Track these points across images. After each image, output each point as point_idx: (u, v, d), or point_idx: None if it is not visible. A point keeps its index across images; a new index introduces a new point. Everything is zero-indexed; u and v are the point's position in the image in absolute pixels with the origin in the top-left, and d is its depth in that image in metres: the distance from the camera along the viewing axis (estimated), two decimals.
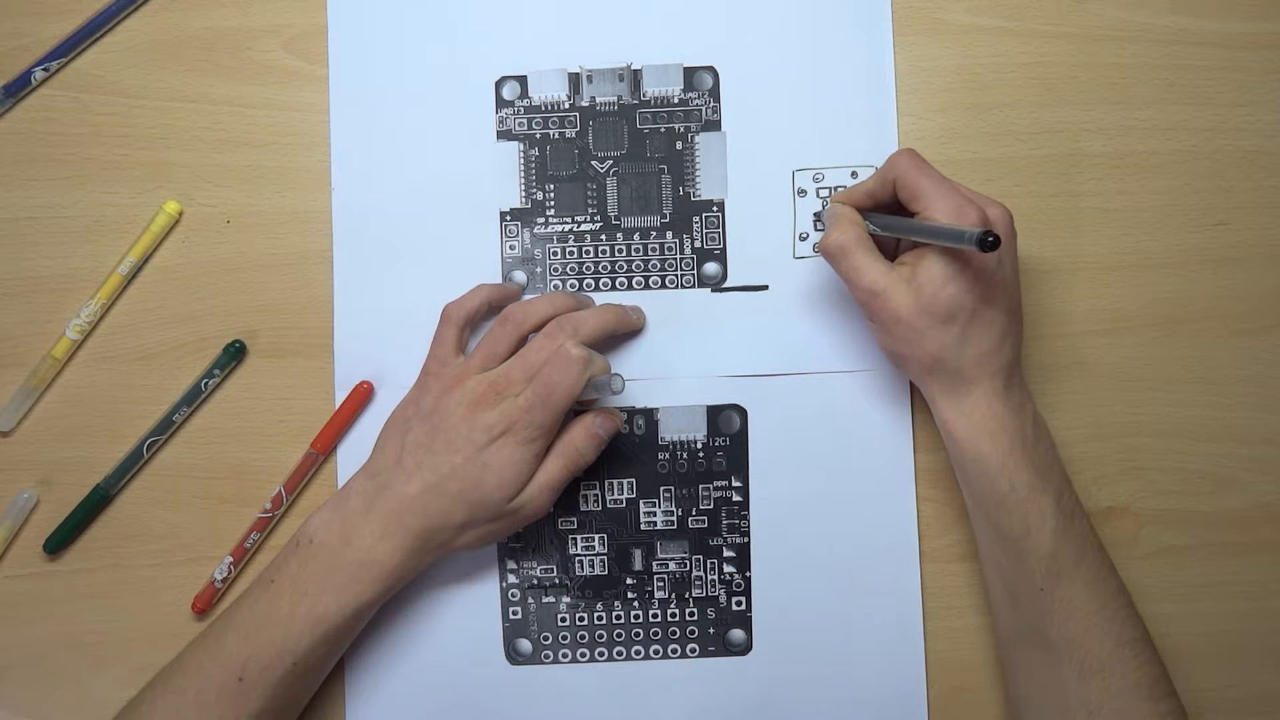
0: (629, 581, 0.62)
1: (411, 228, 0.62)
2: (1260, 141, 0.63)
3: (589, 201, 0.63)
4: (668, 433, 0.62)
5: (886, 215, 0.57)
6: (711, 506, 0.62)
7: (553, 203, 0.63)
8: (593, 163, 0.63)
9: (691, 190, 0.63)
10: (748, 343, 0.62)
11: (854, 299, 0.57)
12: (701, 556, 0.62)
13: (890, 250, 0.58)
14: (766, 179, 0.62)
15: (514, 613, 0.62)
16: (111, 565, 0.62)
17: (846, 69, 0.63)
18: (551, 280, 0.62)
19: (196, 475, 0.62)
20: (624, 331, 0.61)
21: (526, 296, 0.62)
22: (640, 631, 0.62)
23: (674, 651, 0.62)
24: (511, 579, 0.62)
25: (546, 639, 0.62)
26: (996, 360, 0.54)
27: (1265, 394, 0.62)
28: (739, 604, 0.62)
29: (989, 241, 0.49)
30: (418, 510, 0.56)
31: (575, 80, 0.63)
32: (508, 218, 0.63)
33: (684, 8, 0.63)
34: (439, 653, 0.61)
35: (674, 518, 0.62)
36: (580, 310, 0.60)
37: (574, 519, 0.62)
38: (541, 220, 0.63)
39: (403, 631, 0.61)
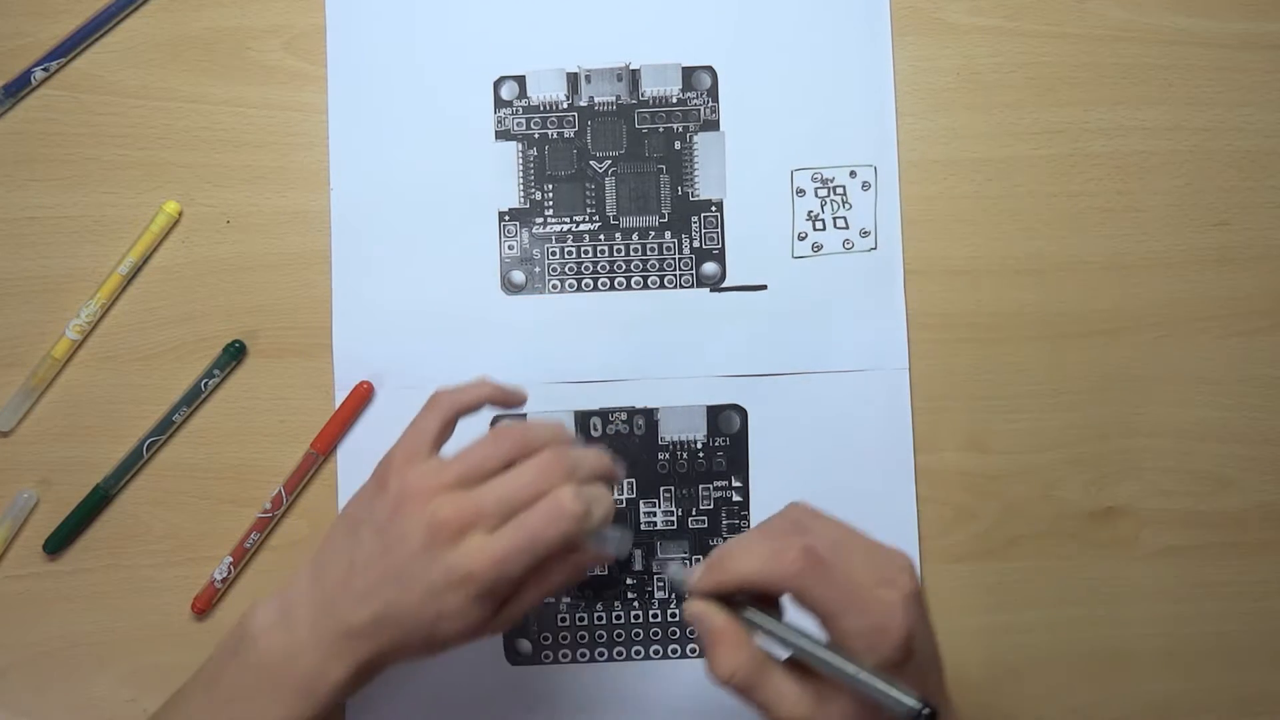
0: (629, 581, 0.62)
1: (410, 228, 0.62)
2: (1260, 141, 0.62)
3: (587, 201, 0.63)
4: (668, 433, 0.62)
5: (780, 623, 0.46)
6: (711, 506, 0.62)
7: (551, 203, 0.63)
8: (591, 163, 0.63)
9: (690, 190, 0.63)
10: (747, 343, 0.62)
11: None
12: (701, 556, 0.62)
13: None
14: (765, 179, 0.62)
15: None
16: (111, 565, 0.62)
17: (846, 69, 0.63)
18: (550, 280, 0.62)
19: (196, 475, 0.62)
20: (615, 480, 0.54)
21: (526, 298, 0.62)
22: (640, 631, 0.62)
23: (674, 651, 0.62)
24: None
25: (546, 639, 0.62)
26: None
27: (1265, 394, 0.62)
28: None
29: (925, 715, 0.42)
30: (369, 636, 0.49)
31: (574, 80, 0.63)
32: (506, 218, 0.63)
33: (682, 8, 0.63)
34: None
35: (674, 518, 0.62)
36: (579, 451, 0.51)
37: None
38: (540, 220, 0.63)
39: None
